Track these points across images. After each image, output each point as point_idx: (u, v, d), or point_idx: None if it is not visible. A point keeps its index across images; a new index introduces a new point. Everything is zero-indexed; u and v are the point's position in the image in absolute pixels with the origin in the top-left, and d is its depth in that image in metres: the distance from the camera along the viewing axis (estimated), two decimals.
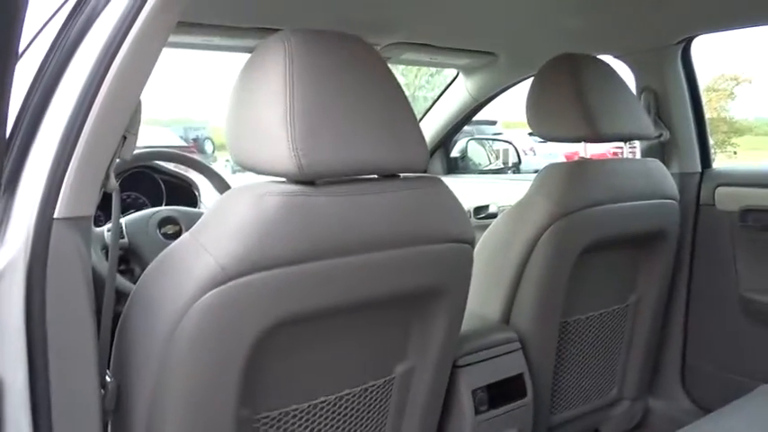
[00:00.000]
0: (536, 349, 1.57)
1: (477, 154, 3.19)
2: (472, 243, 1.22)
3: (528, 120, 1.65)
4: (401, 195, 1.07)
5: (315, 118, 0.95)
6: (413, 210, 1.09)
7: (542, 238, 1.55)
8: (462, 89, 2.50)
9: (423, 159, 1.09)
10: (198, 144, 13.59)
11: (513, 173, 3.29)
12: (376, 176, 1.08)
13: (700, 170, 1.97)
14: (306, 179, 0.97)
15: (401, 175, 1.11)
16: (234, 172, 3.41)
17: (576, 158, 1.76)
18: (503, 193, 2.51)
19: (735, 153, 14.67)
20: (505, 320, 1.60)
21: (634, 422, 1.99)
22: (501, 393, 1.47)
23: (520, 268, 1.57)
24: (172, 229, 1.63)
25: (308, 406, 1.14)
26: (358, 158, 1.00)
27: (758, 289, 1.79)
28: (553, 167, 1.62)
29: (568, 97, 1.54)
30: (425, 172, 1.14)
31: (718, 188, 1.91)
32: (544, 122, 1.62)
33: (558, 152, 7.91)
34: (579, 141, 1.64)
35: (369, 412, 1.25)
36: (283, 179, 0.98)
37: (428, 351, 1.26)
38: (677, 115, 1.97)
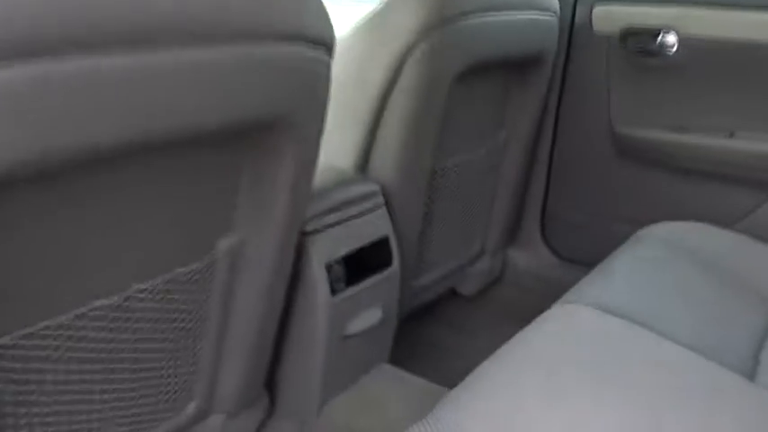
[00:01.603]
0: (402, 204, 1.23)
1: None
2: (331, 52, 0.79)
3: None
4: None
5: None
6: None
7: (409, 60, 1.15)
8: None
9: None
10: None
11: None
12: None
13: None
14: None
15: None
16: None
17: None
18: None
19: None
20: (362, 171, 1.22)
21: (492, 276, 1.79)
22: (362, 264, 1.12)
23: (380, 102, 1.18)
24: None
25: (72, 318, 0.70)
26: None
27: (633, 123, 1.58)
28: None
29: None
30: None
31: (596, 6, 1.61)
32: None
33: None
34: None
35: (175, 312, 0.84)
36: None
37: (264, 216, 0.86)
38: None
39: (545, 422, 0.71)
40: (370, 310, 1.15)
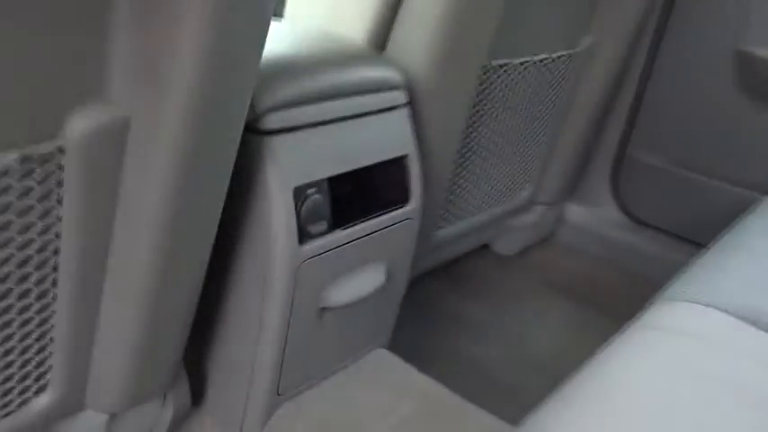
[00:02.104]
0: (433, 113, 0.78)
1: None
2: None
3: None
4: None
5: None
6: None
7: None
8: None
9: None
10: None
11: None
12: None
13: None
14: None
15: None
16: None
17: None
18: None
19: None
20: (379, 46, 0.77)
21: (540, 235, 1.36)
22: (360, 198, 0.69)
23: None
24: None
25: None
26: None
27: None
28: None
29: None
30: None
31: None
32: None
33: None
34: None
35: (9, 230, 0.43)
36: None
37: (154, 82, 0.43)
38: None
39: None
40: (367, 270, 0.71)
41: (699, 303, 0.67)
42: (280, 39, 0.67)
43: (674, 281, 0.75)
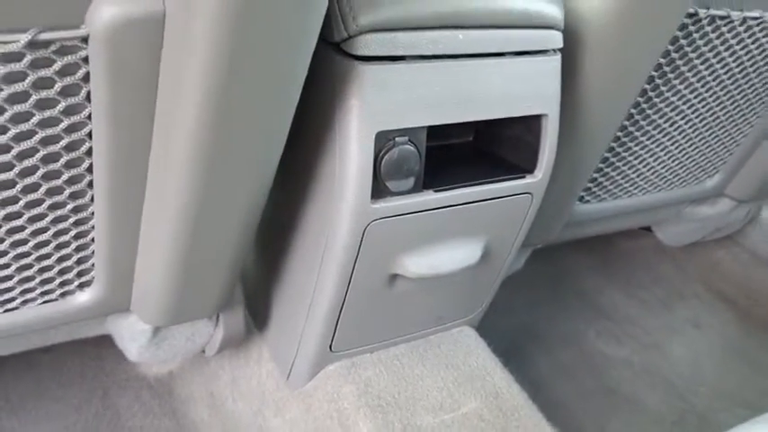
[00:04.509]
0: (597, 61, 0.61)
1: None
2: None
3: None
4: None
5: None
6: None
7: None
8: None
9: None
10: None
11: None
12: None
13: None
14: None
15: None
16: None
17: None
18: None
19: None
20: None
21: (722, 231, 1.13)
22: (465, 156, 0.56)
23: None
24: None
25: None
26: None
27: None
28: None
29: None
30: None
31: None
32: None
33: None
34: None
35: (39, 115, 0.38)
36: None
37: None
38: None
39: None
40: (460, 242, 0.59)
41: None
42: None
43: None
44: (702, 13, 0.66)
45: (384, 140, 0.50)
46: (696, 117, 0.80)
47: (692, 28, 0.67)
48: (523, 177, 0.59)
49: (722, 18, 0.69)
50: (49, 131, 0.42)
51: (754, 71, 0.79)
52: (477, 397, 0.64)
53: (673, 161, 0.86)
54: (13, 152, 0.42)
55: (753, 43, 0.75)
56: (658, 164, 0.84)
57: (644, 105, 0.73)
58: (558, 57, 0.57)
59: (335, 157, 0.50)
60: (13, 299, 0.53)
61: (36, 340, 0.62)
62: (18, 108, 0.40)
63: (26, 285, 0.52)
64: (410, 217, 0.54)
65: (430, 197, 0.54)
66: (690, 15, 0.65)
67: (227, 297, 0.60)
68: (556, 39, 0.57)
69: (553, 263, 1.09)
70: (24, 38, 0.36)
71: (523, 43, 0.55)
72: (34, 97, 0.39)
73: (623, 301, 1.09)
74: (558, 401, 0.74)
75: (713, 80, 0.76)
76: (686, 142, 0.83)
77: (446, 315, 0.68)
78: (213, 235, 0.51)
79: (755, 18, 0.72)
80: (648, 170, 0.85)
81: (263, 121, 0.45)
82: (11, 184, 0.44)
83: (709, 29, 0.69)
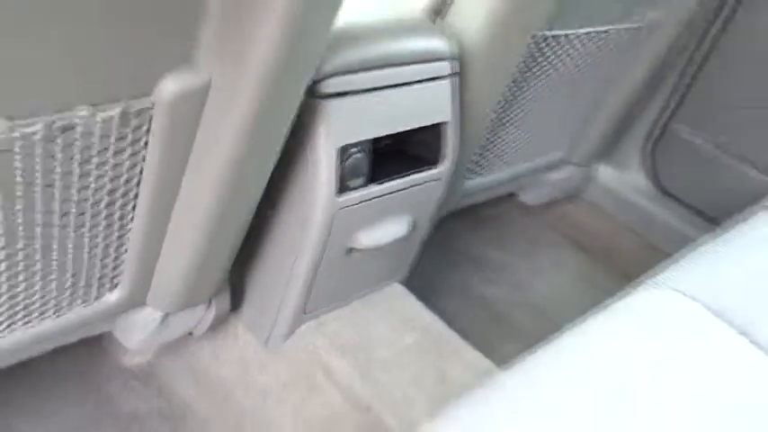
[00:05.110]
0: (480, 78, 0.84)
1: None
2: None
3: None
4: None
5: None
6: None
7: None
8: None
9: None
10: None
11: None
12: None
13: None
14: None
15: None
16: None
17: None
18: None
19: None
20: (437, 16, 0.82)
21: (567, 191, 1.42)
22: (397, 157, 0.77)
23: None
24: None
25: None
26: None
27: None
28: None
29: None
30: None
31: None
32: None
33: None
34: None
35: (95, 176, 0.53)
36: None
37: (239, 53, 0.51)
38: None
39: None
40: (394, 220, 0.81)
41: (682, 293, 0.74)
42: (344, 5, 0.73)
43: (669, 263, 0.82)
44: (549, 33, 0.91)
45: (343, 152, 0.70)
46: (546, 107, 1.07)
47: (542, 44, 0.92)
48: (435, 167, 0.81)
49: (561, 36, 0.95)
50: (118, 169, 0.57)
51: (586, 71, 1.07)
52: (415, 332, 0.86)
53: (531, 140, 1.12)
54: (92, 187, 0.56)
55: (587, 51, 1.02)
56: (521, 143, 1.11)
57: (508, 104, 0.97)
58: (451, 79, 0.80)
59: (309, 166, 0.69)
60: (65, 304, 0.66)
61: (61, 340, 0.74)
62: (101, 157, 0.55)
63: (77, 290, 0.66)
64: (362, 204, 0.74)
65: (375, 188, 0.75)
66: (537, 36, 0.90)
67: (221, 283, 0.77)
68: (447, 68, 0.79)
69: (439, 229, 1.34)
70: (118, 108, 0.51)
71: (428, 72, 0.76)
72: (114, 147, 0.55)
73: (496, 252, 1.36)
74: (461, 331, 0.97)
75: (560, 80, 1.02)
76: (540, 126, 1.10)
77: (385, 276, 0.90)
78: (224, 232, 0.68)
79: (587, 33, 0.99)
80: (513, 149, 1.11)
81: (268, 154, 0.63)
82: (82, 209, 0.58)
83: (554, 43, 0.94)
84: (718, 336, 0.70)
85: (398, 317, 0.88)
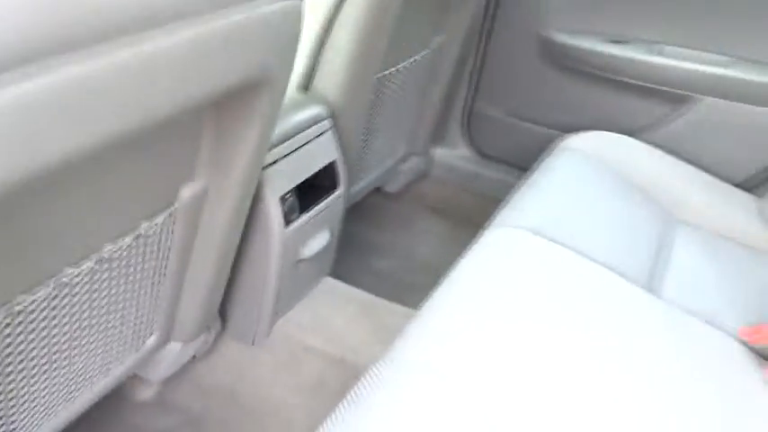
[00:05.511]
0: (347, 122, 1.21)
1: None
2: None
3: None
4: None
5: None
6: None
7: None
8: None
9: None
10: None
11: None
12: None
13: None
14: None
15: None
16: None
17: None
18: None
19: None
20: (305, 90, 1.18)
21: (418, 174, 1.85)
22: (311, 191, 1.12)
23: (330, 15, 1.12)
24: None
25: (52, 288, 0.68)
26: None
27: (563, 30, 1.60)
28: None
29: None
30: None
31: None
32: None
33: None
34: None
35: (142, 261, 0.83)
36: None
37: (227, 165, 0.84)
38: None
39: (501, 338, 0.83)
40: (320, 233, 1.16)
41: (520, 228, 1.05)
42: None
43: (502, 207, 1.22)
44: (382, 74, 1.29)
45: (282, 199, 1.04)
46: (392, 121, 1.47)
47: (381, 83, 1.31)
48: (336, 190, 1.18)
49: (391, 73, 1.34)
50: (155, 248, 0.87)
51: (412, 88, 1.48)
52: (353, 304, 1.23)
53: (385, 147, 1.52)
54: (141, 267, 0.86)
55: (409, 76, 1.42)
56: (380, 152, 1.50)
57: (369, 127, 1.36)
58: (330, 131, 1.16)
59: (265, 212, 1.02)
60: (118, 356, 0.94)
61: (110, 387, 1.01)
62: (145, 249, 0.84)
63: (128, 342, 0.94)
64: (301, 229, 1.09)
65: (305, 216, 1.10)
66: (379, 78, 1.28)
67: (217, 309, 1.08)
68: (327, 124, 1.15)
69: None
70: (161, 218, 0.82)
71: (315, 132, 1.12)
72: (156, 240, 0.85)
73: (381, 234, 1.75)
74: (373, 292, 1.34)
75: (398, 100, 1.42)
76: (389, 135, 1.50)
77: (321, 273, 1.25)
78: (221, 272, 0.99)
79: (404, 66, 1.39)
80: (376, 157, 1.49)
81: (243, 218, 0.95)
82: (139, 277, 0.87)
83: (390, 78, 1.33)
84: (553, 254, 1.01)
85: (338, 298, 1.24)
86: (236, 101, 0.75)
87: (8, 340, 0.67)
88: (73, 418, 0.90)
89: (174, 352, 1.05)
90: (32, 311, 0.68)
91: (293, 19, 0.73)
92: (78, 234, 0.68)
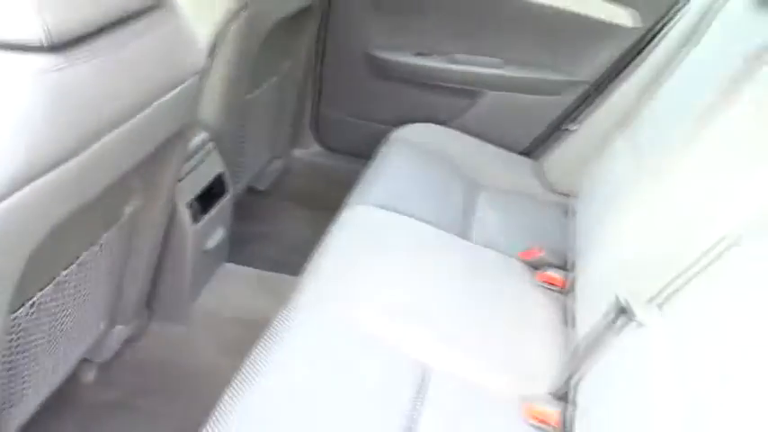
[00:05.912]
0: (226, 139, 1.56)
1: None
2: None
3: None
4: (144, 42, 0.87)
5: None
6: (158, 55, 0.91)
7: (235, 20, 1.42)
8: None
9: None
10: None
11: None
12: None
13: None
14: (55, 43, 0.70)
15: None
16: None
17: None
18: None
19: None
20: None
21: (281, 172, 2.20)
22: (209, 197, 1.46)
23: (209, 52, 1.44)
24: None
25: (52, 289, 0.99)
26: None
27: (381, 47, 2.03)
28: None
29: None
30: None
31: None
32: None
33: None
34: None
35: (102, 262, 1.14)
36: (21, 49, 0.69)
37: (155, 189, 1.17)
38: None
39: (368, 282, 1.21)
40: (218, 228, 1.51)
41: (371, 204, 1.47)
42: None
43: (352, 191, 1.62)
44: (249, 97, 1.65)
45: (191, 204, 1.37)
46: (252, 139, 1.83)
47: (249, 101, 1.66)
48: (225, 196, 1.52)
49: (249, 97, 1.70)
50: (115, 254, 1.17)
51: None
52: (249, 279, 1.59)
53: (258, 153, 1.87)
54: (103, 268, 1.16)
55: (268, 97, 1.79)
56: (249, 162, 1.85)
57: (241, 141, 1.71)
58: (215, 150, 1.50)
59: (178, 215, 1.35)
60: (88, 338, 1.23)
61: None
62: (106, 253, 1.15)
63: (90, 326, 1.23)
64: (203, 226, 1.43)
65: (206, 216, 1.44)
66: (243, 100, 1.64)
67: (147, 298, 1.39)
68: (210, 145, 1.49)
69: None
70: (114, 229, 1.12)
71: (204, 156, 1.46)
72: (111, 246, 1.15)
73: (260, 227, 2.08)
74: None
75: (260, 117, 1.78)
76: (253, 148, 1.86)
77: (221, 259, 1.60)
78: (150, 263, 1.30)
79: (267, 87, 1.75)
80: (249, 165, 1.85)
81: (166, 219, 1.28)
82: (102, 274, 1.17)
83: (246, 103, 1.69)
84: (395, 220, 1.41)
85: (238, 277, 1.60)
86: (161, 152, 1.08)
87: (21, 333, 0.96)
88: (42, 400, 1.17)
89: (117, 334, 1.35)
90: (42, 304, 0.98)
91: (195, 92, 1.07)
92: (67, 247, 0.99)
